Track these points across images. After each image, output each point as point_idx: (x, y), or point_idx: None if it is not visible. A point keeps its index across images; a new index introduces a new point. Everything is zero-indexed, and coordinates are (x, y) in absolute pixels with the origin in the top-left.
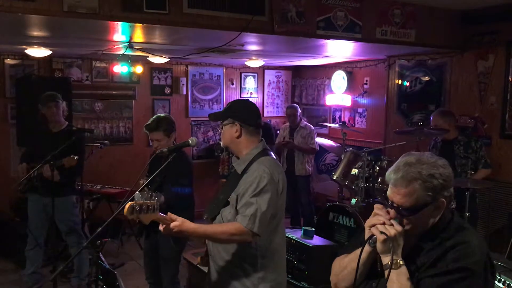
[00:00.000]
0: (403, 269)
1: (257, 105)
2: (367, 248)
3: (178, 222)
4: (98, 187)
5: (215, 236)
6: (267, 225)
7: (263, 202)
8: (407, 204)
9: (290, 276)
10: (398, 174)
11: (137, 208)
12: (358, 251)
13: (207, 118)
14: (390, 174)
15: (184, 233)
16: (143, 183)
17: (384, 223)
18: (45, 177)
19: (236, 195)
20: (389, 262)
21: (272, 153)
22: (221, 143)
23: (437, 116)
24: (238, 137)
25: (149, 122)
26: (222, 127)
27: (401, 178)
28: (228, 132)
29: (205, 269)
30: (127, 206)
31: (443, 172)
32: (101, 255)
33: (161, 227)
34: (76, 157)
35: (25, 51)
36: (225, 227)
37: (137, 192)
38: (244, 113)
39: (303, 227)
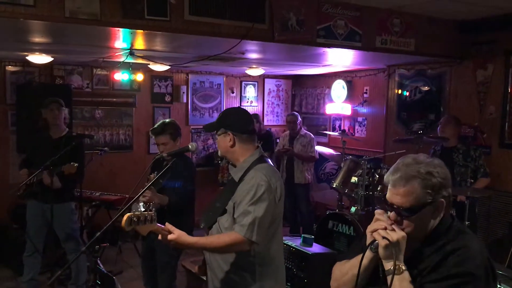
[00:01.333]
0: (406, 274)
1: (258, 113)
2: (368, 253)
3: (174, 235)
4: (97, 194)
5: (213, 248)
6: (265, 233)
7: (261, 210)
8: (407, 204)
9: (289, 284)
10: (396, 175)
11: (135, 219)
12: (359, 257)
13: None
14: (388, 176)
15: (181, 246)
16: (150, 181)
17: (385, 228)
18: (45, 184)
19: (233, 203)
20: (392, 268)
21: (269, 160)
22: (219, 152)
23: (452, 122)
24: (232, 146)
25: (155, 126)
26: (217, 137)
27: (400, 177)
28: (222, 142)
29: (204, 277)
30: (124, 218)
31: (440, 171)
32: (99, 262)
33: (159, 238)
34: (76, 164)
35: (26, 57)
36: (223, 239)
37: (134, 203)
38: (235, 121)
39: (302, 235)
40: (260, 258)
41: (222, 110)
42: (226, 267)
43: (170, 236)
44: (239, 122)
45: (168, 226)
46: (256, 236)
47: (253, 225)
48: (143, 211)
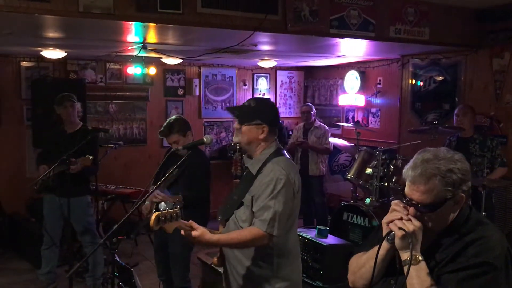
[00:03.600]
0: (422, 264)
1: None
2: (385, 244)
3: (197, 233)
4: (112, 187)
5: (235, 244)
6: (285, 226)
7: (281, 204)
8: (427, 200)
9: (305, 275)
10: (416, 171)
11: (163, 218)
12: (376, 248)
13: (220, 119)
14: (407, 172)
15: (203, 244)
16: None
17: (401, 219)
18: (72, 171)
19: (251, 196)
20: (408, 258)
21: (285, 153)
22: (237, 139)
23: (470, 112)
24: (264, 138)
25: (162, 129)
26: (243, 125)
27: (420, 175)
28: (254, 132)
29: (220, 269)
30: (153, 217)
31: (461, 166)
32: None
33: (182, 233)
34: (91, 157)
35: (41, 53)
36: (244, 235)
37: (162, 203)
38: (271, 115)
39: (317, 226)
40: (278, 250)
41: (235, 102)
42: (244, 259)
43: (194, 233)
44: (274, 116)
45: (192, 223)
46: (276, 230)
47: (274, 220)
48: (169, 208)
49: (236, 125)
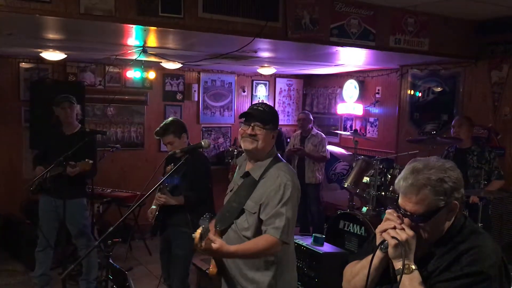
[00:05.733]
0: (416, 273)
1: None
2: (378, 253)
3: (216, 245)
4: (108, 191)
5: (253, 254)
6: (293, 232)
7: (291, 211)
8: (420, 211)
9: (300, 283)
10: (407, 182)
11: (204, 234)
12: (369, 257)
13: (218, 125)
14: (399, 183)
15: (222, 255)
16: (167, 173)
17: (395, 228)
18: (68, 174)
19: (258, 203)
20: (401, 267)
21: (282, 158)
22: (252, 146)
23: (466, 123)
24: (270, 143)
25: (157, 129)
26: (260, 128)
27: (411, 185)
28: (268, 137)
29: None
30: (197, 235)
31: (451, 174)
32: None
33: (203, 246)
34: (91, 161)
35: (40, 54)
36: (261, 244)
37: (201, 219)
38: (278, 120)
39: (313, 234)
40: (280, 258)
41: (233, 109)
42: (246, 268)
43: (214, 245)
44: (278, 121)
45: (210, 236)
46: (289, 237)
47: (287, 227)
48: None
49: (250, 130)
